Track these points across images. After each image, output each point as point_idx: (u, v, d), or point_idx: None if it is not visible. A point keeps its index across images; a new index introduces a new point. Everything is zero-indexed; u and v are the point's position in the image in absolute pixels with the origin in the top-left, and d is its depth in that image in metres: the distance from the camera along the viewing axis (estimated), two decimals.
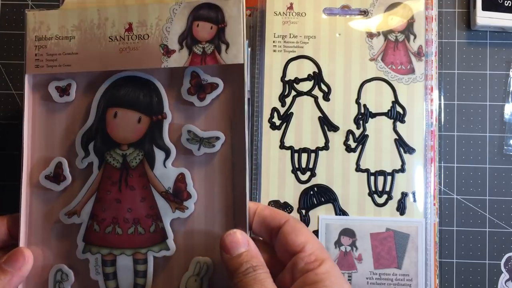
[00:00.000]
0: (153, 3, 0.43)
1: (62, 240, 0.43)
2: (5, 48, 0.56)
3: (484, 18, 0.53)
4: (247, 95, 0.42)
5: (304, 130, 0.51)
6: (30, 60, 0.43)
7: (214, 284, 0.41)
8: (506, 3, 0.53)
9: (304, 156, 0.51)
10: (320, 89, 0.52)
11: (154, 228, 0.42)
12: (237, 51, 0.41)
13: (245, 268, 0.37)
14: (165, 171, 0.42)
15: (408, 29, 0.52)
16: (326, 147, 0.51)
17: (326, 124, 0.51)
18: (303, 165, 0.51)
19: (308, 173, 0.51)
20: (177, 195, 0.42)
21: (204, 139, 0.42)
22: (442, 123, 0.54)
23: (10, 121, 0.55)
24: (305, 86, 0.52)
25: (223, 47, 0.42)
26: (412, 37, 0.52)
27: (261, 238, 0.42)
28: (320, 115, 0.51)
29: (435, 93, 0.52)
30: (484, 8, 0.53)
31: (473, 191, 0.53)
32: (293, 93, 0.52)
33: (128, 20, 0.43)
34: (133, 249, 0.42)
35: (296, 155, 0.51)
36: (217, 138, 0.42)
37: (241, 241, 0.39)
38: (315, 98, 0.52)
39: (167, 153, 0.42)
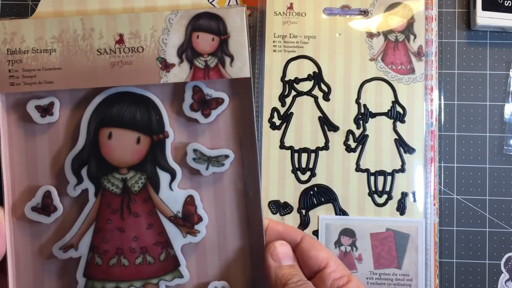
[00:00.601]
0: (145, 12, 0.39)
1: (57, 278, 0.39)
2: None
3: (484, 18, 0.53)
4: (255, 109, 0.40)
5: (304, 130, 0.51)
6: (3, 77, 0.38)
7: None
8: (506, 3, 0.53)
9: (304, 156, 0.51)
10: (320, 89, 0.52)
11: (165, 256, 0.39)
12: (243, 64, 0.39)
13: (298, 279, 0.37)
14: (172, 194, 0.39)
15: (408, 29, 0.52)
16: (326, 147, 0.51)
17: (326, 124, 0.51)
18: (303, 165, 0.51)
19: (308, 173, 0.51)
20: (187, 219, 0.39)
21: (212, 158, 0.40)
22: (442, 123, 0.54)
23: None
24: (305, 86, 0.52)
25: (227, 60, 0.39)
26: (412, 37, 0.52)
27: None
28: (320, 115, 0.51)
29: (435, 93, 0.52)
30: (484, 8, 0.53)
31: (473, 191, 0.53)
32: (293, 93, 0.52)
33: (118, 31, 0.38)
34: (143, 280, 0.39)
35: (296, 155, 0.51)
36: (226, 156, 0.40)
37: (291, 255, 0.39)
38: (315, 98, 0.52)
39: (173, 174, 0.39)
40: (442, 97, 0.54)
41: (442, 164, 0.53)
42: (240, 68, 0.39)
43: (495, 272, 0.52)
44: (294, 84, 0.52)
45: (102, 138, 0.39)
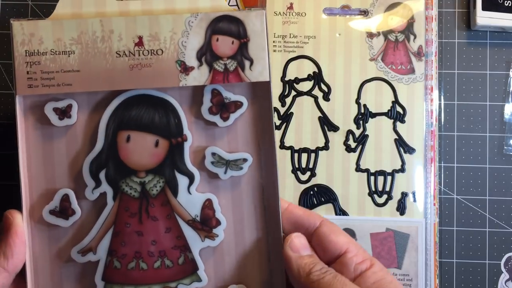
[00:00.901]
0: (165, 15, 0.38)
1: (76, 282, 0.39)
2: (5, 48, 0.56)
3: (484, 18, 0.53)
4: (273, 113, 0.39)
5: (304, 130, 0.51)
6: (21, 78, 0.38)
7: None
8: (506, 3, 0.53)
9: (304, 156, 0.51)
10: (320, 89, 0.52)
11: (183, 260, 0.39)
12: (263, 68, 0.39)
13: (321, 267, 0.37)
14: (190, 198, 0.39)
15: (408, 29, 0.52)
16: (326, 147, 0.51)
17: (326, 124, 0.51)
18: (303, 165, 0.51)
19: (308, 173, 0.51)
20: (206, 223, 0.39)
21: (230, 161, 0.39)
22: (442, 123, 0.54)
23: (11, 121, 0.55)
24: (305, 86, 0.52)
25: (247, 63, 0.39)
26: (412, 37, 0.52)
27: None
28: (320, 115, 0.51)
29: (435, 93, 0.52)
30: (484, 8, 0.53)
31: (473, 191, 0.53)
32: (293, 93, 0.52)
33: (137, 33, 0.38)
34: (161, 284, 0.39)
35: (296, 155, 0.51)
36: (245, 160, 0.39)
37: (308, 246, 0.38)
38: (315, 98, 0.52)
39: (191, 178, 0.39)
40: (442, 97, 0.54)
41: (442, 164, 0.53)
42: (259, 72, 0.39)
43: (495, 272, 0.52)
44: (294, 84, 0.52)
45: (120, 141, 0.39)
